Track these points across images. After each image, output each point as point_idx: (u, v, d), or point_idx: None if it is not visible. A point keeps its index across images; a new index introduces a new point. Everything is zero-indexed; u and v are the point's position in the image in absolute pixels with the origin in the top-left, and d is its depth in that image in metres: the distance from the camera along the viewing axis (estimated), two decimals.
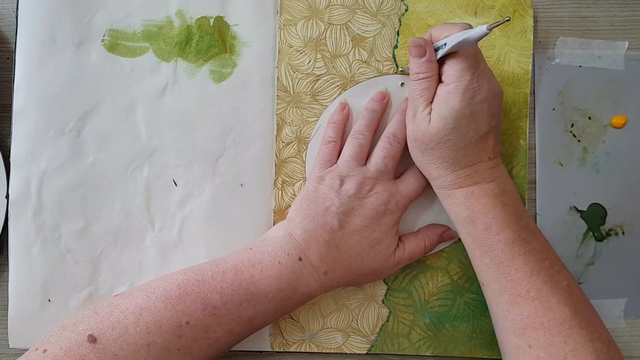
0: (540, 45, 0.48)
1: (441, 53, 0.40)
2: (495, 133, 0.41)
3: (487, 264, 0.40)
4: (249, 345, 0.47)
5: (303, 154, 0.48)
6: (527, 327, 0.38)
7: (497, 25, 0.37)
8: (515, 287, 0.39)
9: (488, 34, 0.37)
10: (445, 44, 0.40)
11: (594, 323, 0.39)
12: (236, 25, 0.48)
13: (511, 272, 0.39)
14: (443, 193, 0.42)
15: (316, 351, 0.47)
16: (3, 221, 0.46)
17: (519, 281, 0.39)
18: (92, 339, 0.37)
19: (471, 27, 0.40)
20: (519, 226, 0.40)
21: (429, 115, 0.41)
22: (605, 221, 0.48)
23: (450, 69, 0.40)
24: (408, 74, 0.44)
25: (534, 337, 0.38)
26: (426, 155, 0.42)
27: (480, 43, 0.47)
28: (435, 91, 0.41)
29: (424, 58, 0.41)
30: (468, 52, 0.39)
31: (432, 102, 0.41)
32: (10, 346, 0.46)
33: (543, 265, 0.39)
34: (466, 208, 0.41)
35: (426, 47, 0.41)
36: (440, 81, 0.41)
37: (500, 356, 0.47)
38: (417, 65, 0.41)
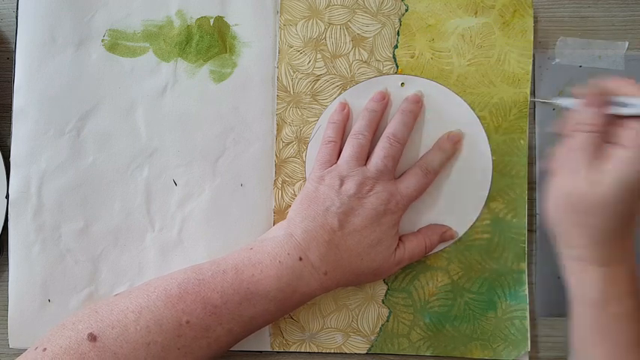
0: (540, 45, 0.48)
1: (627, 112, 0.36)
2: None
3: (600, 353, 0.37)
4: (249, 345, 0.47)
5: (303, 154, 0.48)
6: None
7: None
8: None
9: None
10: (633, 104, 0.36)
11: None
12: (236, 25, 0.48)
13: None
14: (574, 265, 0.39)
15: (316, 351, 0.47)
16: (3, 221, 0.46)
17: None
18: (92, 337, 0.37)
19: None
20: None
21: (597, 175, 0.36)
22: None
23: (635, 134, 0.35)
24: (542, 102, 0.43)
25: None
26: (577, 218, 0.37)
27: (480, 44, 0.47)
28: (600, 149, 0.37)
29: (601, 109, 0.37)
30: None
31: (595, 159, 0.37)
32: (10, 346, 0.46)
33: None
34: (600, 290, 0.37)
35: (604, 98, 0.37)
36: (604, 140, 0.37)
37: (501, 357, 0.47)
38: (593, 117, 0.37)
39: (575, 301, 0.39)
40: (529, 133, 0.48)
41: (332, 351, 0.47)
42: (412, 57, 0.48)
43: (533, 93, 0.48)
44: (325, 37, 0.48)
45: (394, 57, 0.48)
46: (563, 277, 0.40)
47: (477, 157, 0.47)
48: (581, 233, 0.38)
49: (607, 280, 0.37)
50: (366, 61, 0.48)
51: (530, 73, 0.47)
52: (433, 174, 0.45)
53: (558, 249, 0.40)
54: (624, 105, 0.36)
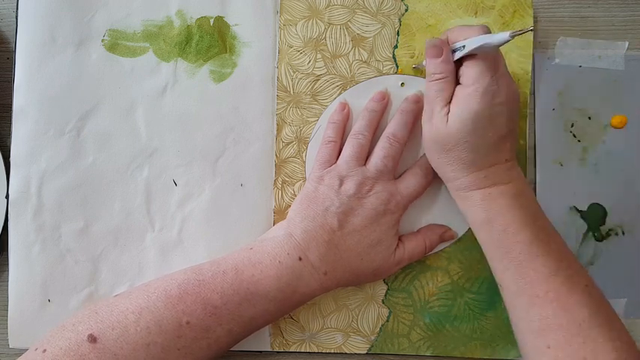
0: (540, 45, 0.48)
1: (458, 55, 0.40)
2: (512, 135, 0.41)
3: (505, 265, 0.40)
4: (249, 345, 0.47)
5: (303, 154, 0.48)
6: (545, 328, 0.38)
7: (519, 34, 0.37)
8: (534, 288, 0.39)
9: (509, 40, 0.37)
10: (464, 46, 0.40)
11: (613, 323, 0.38)
12: (236, 25, 0.48)
13: (529, 273, 0.39)
14: (459, 194, 0.42)
15: (316, 351, 0.47)
16: (3, 221, 0.46)
17: (538, 282, 0.39)
18: (92, 339, 0.37)
19: (489, 30, 0.40)
20: (537, 227, 0.40)
21: (446, 116, 0.40)
22: (605, 221, 0.48)
23: (469, 71, 0.39)
24: (422, 70, 0.45)
25: (553, 337, 0.38)
26: (442, 156, 0.41)
27: None
28: (452, 92, 0.41)
29: (441, 59, 0.41)
30: (488, 54, 0.39)
31: (448, 103, 0.41)
32: (10, 346, 0.46)
33: (561, 266, 0.39)
34: (483, 209, 0.40)
35: (443, 48, 0.41)
36: (457, 82, 0.41)
37: (501, 356, 0.47)
38: (433, 66, 0.41)
39: (472, 227, 0.43)
40: (528, 133, 0.48)
41: (332, 351, 0.47)
42: (412, 57, 0.48)
43: (533, 93, 0.48)
44: (325, 37, 0.48)
45: (394, 57, 0.48)
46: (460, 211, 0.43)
47: None
48: (451, 168, 0.41)
49: (486, 200, 0.40)
50: (366, 61, 0.48)
51: (530, 73, 0.47)
52: (433, 174, 0.45)
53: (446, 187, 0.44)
54: (460, 49, 0.40)
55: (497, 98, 0.39)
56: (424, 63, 0.43)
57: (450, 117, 0.40)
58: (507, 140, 0.41)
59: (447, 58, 0.41)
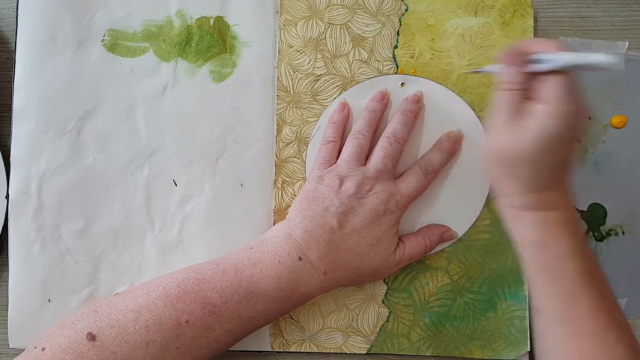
0: None
1: (541, 68, 0.37)
2: (573, 159, 0.40)
3: (550, 292, 0.39)
4: (249, 345, 0.47)
5: (303, 154, 0.48)
6: None
7: (635, 57, 0.35)
8: (576, 320, 0.37)
9: (617, 66, 0.35)
10: (541, 60, 0.37)
11: None
12: (236, 25, 0.48)
13: (575, 305, 0.38)
14: (512, 212, 0.40)
15: (316, 351, 0.47)
16: (3, 221, 0.46)
17: (582, 315, 0.37)
18: (91, 337, 0.37)
19: (565, 46, 0.37)
20: (586, 257, 0.38)
21: (516, 130, 0.38)
22: (605, 221, 0.48)
23: (552, 89, 0.36)
24: (477, 73, 0.45)
25: None
26: (504, 171, 0.39)
27: (480, 44, 0.47)
28: (523, 106, 0.38)
29: (519, 68, 0.38)
30: (572, 74, 0.37)
31: (518, 116, 0.38)
32: (10, 346, 0.46)
33: (604, 301, 0.38)
34: (537, 232, 0.39)
35: (523, 57, 0.38)
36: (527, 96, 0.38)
37: (501, 356, 0.47)
38: (512, 76, 0.38)
39: (518, 247, 0.41)
40: None
41: (332, 351, 0.47)
42: (412, 57, 0.48)
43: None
44: (325, 37, 0.48)
45: (394, 57, 0.48)
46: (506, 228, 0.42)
47: (477, 157, 0.47)
48: (511, 184, 0.39)
49: (542, 223, 0.39)
50: (366, 61, 0.48)
51: None
52: (433, 174, 0.45)
53: (498, 202, 0.42)
54: (541, 62, 0.37)
55: (575, 122, 0.37)
56: (486, 69, 0.41)
57: (522, 133, 0.37)
58: (570, 164, 0.39)
59: (526, 69, 0.38)
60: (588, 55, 0.35)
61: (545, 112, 0.37)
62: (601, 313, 0.37)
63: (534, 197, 0.39)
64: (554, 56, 0.37)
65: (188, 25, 0.48)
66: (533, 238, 0.39)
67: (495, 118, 0.39)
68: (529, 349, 0.46)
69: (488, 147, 0.40)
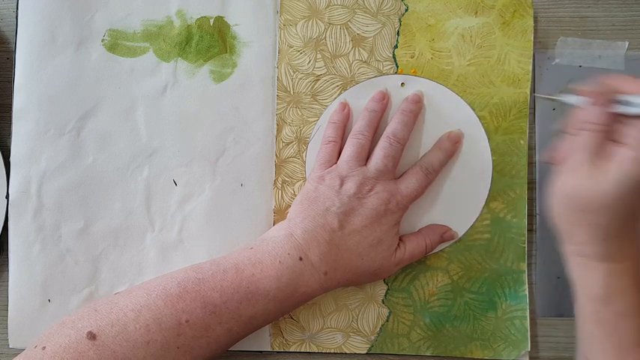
0: (540, 45, 0.48)
1: (632, 112, 0.36)
2: None
3: (605, 347, 0.38)
4: (249, 345, 0.47)
5: (303, 154, 0.48)
6: None
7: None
8: None
9: None
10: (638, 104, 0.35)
11: None
12: (236, 25, 0.48)
13: None
14: (579, 261, 0.39)
15: (316, 351, 0.47)
16: (3, 221, 0.46)
17: None
18: (91, 336, 0.37)
19: None
20: None
21: (600, 174, 0.36)
22: None
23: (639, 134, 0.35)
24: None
25: None
26: (577, 216, 0.37)
27: (480, 44, 0.47)
28: (603, 147, 0.36)
29: (605, 108, 0.36)
30: None
31: (598, 158, 0.36)
32: (10, 346, 0.46)
33: None
34: (604, 285, 0.37)
35: (609, 96, 0.36)
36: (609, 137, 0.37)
37: (501, 356, 0.47)
38: (597, 116, 0.37)
39: (579, 297, 0.39)
40: (529, 133, 0.48)
41: (332, 351, 0.47)
42: (412, 57, 0.48)
43: (533, 93, 0.48)
44: (325, 37, 0.48)
45: (394, 57, 0.48)
46: (566, 275, 0.40)
47: (477, 157, 0.47)
48: (584, 231, 0.37)
49: (609, 276, 0.37)
50: (366, 61, 0.48)
51: (530, 73, 0.47)
52: (433, 174, 0.45)
53: (561, 245, 0.40)
54: (629, 104, 0.36)
55: None
56: (564, 98, 0.40)
57: (604, 177, 0.36)
58: (639, 214, 0.37)
59: (611, 109, 0.36)
60: None
61: (630, 157, 0.35)
62: None
63: (607, 247, 0.37)
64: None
65: (188, 25, 0.48)
66: (599, 292, 0.38)
67: (573, 157, 0.38)
68: (529, 349, 0.46)
69: (561, 188, 0.38)
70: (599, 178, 0.36)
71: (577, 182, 0.37)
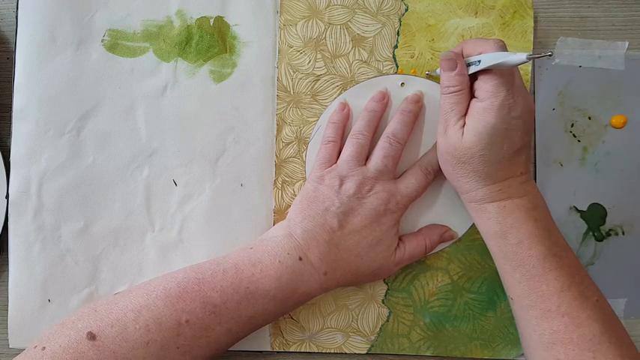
0: (540, 45, 0.48)
1: (473, 69, 0.40)
2: (527, 148, 0.41)
3: (518, 279, 0.40)
4: (249, 345, 0.47)
5: (303, 154, 0.48)
6: (556, 342, 0.39)
7: (537, 57, 0.37)
8: (546, 302, 0.39)
9: (526, 62, 0.37)
10: (479, 61, 0.40)
11: (623, 339, 0.39)
12: (236, 25, 0.48)
13: (542, 287, 0.39)
14: (473, 206, 0.42)
15: (316, 351, 0.47)
16: (3, 221, 0.46)
17: (550, 296, 0.39)
18: (91, 336, 0.37)
19: (504, 45, 0.40)
20: (551, 241, 0.40)
21: (461, 129, 0.40)
22: (605, 221, 0.48)
23: (485, 85, 0.39)
24: (434, 79, 0.46)
25: (563, 351, 0.38)
26: (457, 169, 0.41)
27: None
28: (467, 105, 0.41)
29: (455, 72, 0.41)
30: (511, 71, 0.39)
31: (463, 115, 0.41)
32: (10, 346, 0.46)
33: (573, 281, 0.39)
34: (498, 222, 0.41)
35: (458, 61, 0.41)
36: (472, 95, 0.41)
37: (501, 356, 0.47)
38: (448, 79, 0.41)
39: (484, 239, 0.43)
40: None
41: (332, 351, 0.47)
42: (412, 57, 0.48)
43: (533, 93, 0.48)
44: (325, 37, 0.48)
45: (394, 57, 0.48)
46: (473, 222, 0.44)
47: None
48: (466, 180, 0.41)
49: (500, 213, 0.41)
50: (366, 61, 0.48)
51: (530, 73, 0.47)
52: (433, 174, 0.45)
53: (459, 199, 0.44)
54: (475, 64, 0.40)
55: (513, 112, 0.39)
56: (438, 71, 0.43)
57: (466, 130, 0.40)
58: (522, 153, 0.41)
59: (462, 71, 0.41)
60: (508, 55, 0.38)
61: (479, 107, 0.40)
62: (570, 293, 0.39)
63: (490, 189, 0.41)
64: (480, 57, 0.39)
65: (188, 25, 0.48)
66: (495, 229, 0.41)
67: (442, 119, 0.42)
68: None
69: (439, 148, 0.42)
70: (462, 132, 0.40)
71: (449, 140, 0.41)
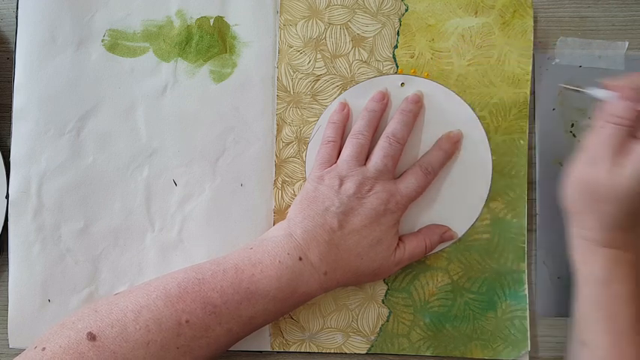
0: (540, 45, 0.48)
1: None
2: None
3: (603, 330, 0.39)
4: (249, 345, 0.47)
5: (303, 154, 0.48)
6: None
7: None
8: None
9: None
10: None
11: None
12: (236, 25, 0.48)
13: (624, 347, 0.38)
14: (585, 244, 0.40)
15: (316, 351, 0.47)
16: (3, 221, 0.46)
17: (629, 357, 0.38)
18: (91, 337, 0.37)
19: None
20: None
21: (618, 167, 0.38)
22: None
23: None
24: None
25: None
26: (591, 205, 0.39)
27: (479, 44, 0.47)
28: (625, 143, 0.38)
29: (633, 106, 0.38)
30: None
31: (620, 152, 0.38)
32: (10, 346, 0.46)
33: None
34: (605, 269, 0.39)
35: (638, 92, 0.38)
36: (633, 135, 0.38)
37: (501, 356, 0.47)
38: (623, 109, 0.38)
39: (580, 280, 0.41)
40: (529, 133, 0.48)
41: (332, 351, 0.47)
42: (412, 57, 0.48)
43: (533, 93, 0.48)
44: (325, 37, 0.48)
45: (394, 57, 0.48)
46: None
47: (477, 157, 0.47)
48: (594, 217, 0.39)
49: (612, 261, 0.39)
50: (366, 61, 0.48)
51: (530, 74, 0.47)
52: (433, 174, 0.45)
53: (569, 229, 0.42)
54: None
55: None
56: (590, 91, 0.41)
57: (621, 171, 0.37)
58: None
59: (638, 106, 0.38)
60: None
61: None
62: None
63: (613, 236, 0.39)
64: None
65: (188, 25, 0.48)
66: (600, 275, 0.39)
67: (596, 149, 0.39)
68: (529, 349, 0.46)
69: (579, 176, 0.40)
70: (616, 171, 0.37)
71: (595, 174, 0.39)
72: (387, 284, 0.47)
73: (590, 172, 0.39)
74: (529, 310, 0.47)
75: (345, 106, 0.47)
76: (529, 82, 0.47)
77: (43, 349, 0.37)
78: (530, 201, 0.48)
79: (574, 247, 0.42)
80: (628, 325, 0.39)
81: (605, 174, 0.38)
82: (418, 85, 0.47)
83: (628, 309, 0.39)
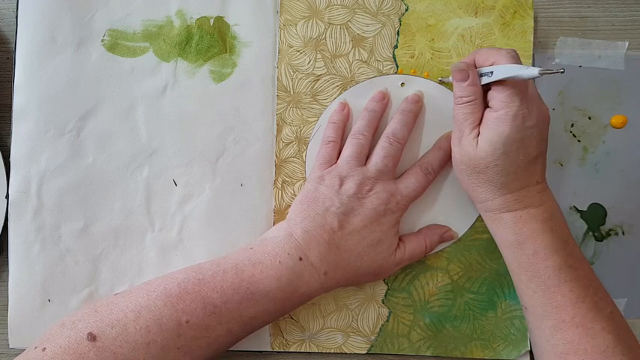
0: (540, 45, 0.48)
1: (486, 80, 0.40)
2: (543, 157, 0.41)
3: (533, 289, 0.40)
4: (249, 345, 0.47)
5: (303, 154, 0.48)
6: (569, 352, 0.39)
7: (549, 73, 0.37)
8: (560, 313, 0.39)
9: (538, 77, 0.37)
10: (491, 72, 0.40)
11: (636, 351, 0.39)
12: (236, 25, 0.48)
13: (557, 298, 0.39)
14: (489, 216, 0.42)
15: (316, 351, 0.47)
16: (3, 221, 0.46)
17: (564, 307, 0.39)
18: (92, 337, 0.37)
19: (517, 55, 0.40)
20: (566, 252, 0.40)
21: (475, 138, 0.40)
22: (605, 221, 0.48)
23: (498, 95, 0.39)
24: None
25: None
26: (472, 178, 0.41)
27: (480, 44, 0.47)
28: (480, 115, 0.41)
29: (467, 82, 0.41)
30: (523, 81, 0.39)
31: (477, 125, 0.41)
32: (10, 346, 0.46)
33: (588, 292, 0.39)
34: (514, 232, 0.41)
35: (470, 72, 0.41)
36: (486, 105, 0.41)
37: (501, 356, 0.47)
38: (460, 89, 0.41)
39: (500, 249, 0.43)
40: None
41: (332, 351, 0.47)
42: (412, 57, 0.48)
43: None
44: (325, 37, 0.48)
45: (394, 57, 0.48)
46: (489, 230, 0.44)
47: None
48: (482, 189, 0.41)
49: (517, 223, 0.41)
50: (366, 61, 0.48)
51: None
52: (433, 174, 0.45)
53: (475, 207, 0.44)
54: (488, 75, 0.40)
55: (528, 121, 0.39)
56: (450, 79, 0.43)
57: (480, 140, 0.40)
58: (538, 162, 0.41)
59: (474, 82, 0.41)
60: (520, 69, 0.38)
61: (493, 117, 0.40)
62: (585, 305, 0.39)
63: (506, 198, 0.41)
64: (492, 69, 0.39)
65: (188, 25, 0.48)
66: (511, 239, 0.41)
67: (456, 129, 0.42)
68: (529, 349, 0.47)
69: (454, 158, 0.42)
70: (477, 141, 0.40)
71: (464, 150, 0.41)
72: (387, 284, 0.47)
73: (460, 150, 0.42)
74: None
75: (345, 106, 0.47)
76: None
77: (44, 349, 0.37)
78: None
79: (485, 221, 0.43)
80: (552, 277, 0.39)
81: (470, 147, 0.41)
82: (418, 85, 0.47)
83: (549, 262, 0.40)
